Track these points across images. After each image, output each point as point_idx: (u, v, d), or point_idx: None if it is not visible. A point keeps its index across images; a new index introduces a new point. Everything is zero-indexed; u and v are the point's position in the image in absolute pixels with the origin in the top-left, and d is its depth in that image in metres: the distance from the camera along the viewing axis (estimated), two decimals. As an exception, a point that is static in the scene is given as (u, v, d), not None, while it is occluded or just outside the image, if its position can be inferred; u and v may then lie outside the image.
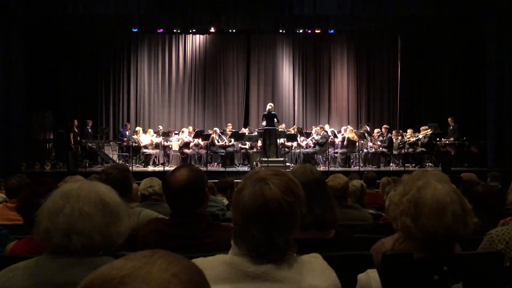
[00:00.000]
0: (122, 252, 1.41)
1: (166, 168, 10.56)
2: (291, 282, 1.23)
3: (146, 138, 12.10)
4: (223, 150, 11.97)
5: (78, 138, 11.99)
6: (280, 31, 13.97)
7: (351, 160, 12.05)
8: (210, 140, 11.77)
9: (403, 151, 11.84)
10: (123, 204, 1.40)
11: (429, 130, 11.68)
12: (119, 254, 1.36)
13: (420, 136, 11.73)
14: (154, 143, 12.13)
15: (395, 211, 1.35)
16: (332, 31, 13.92)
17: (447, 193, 1.29)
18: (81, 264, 1.28)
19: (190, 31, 14.03)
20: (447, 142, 12.00)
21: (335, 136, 12.40)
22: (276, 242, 1.22)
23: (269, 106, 11.48)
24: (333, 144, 12.17)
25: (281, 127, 12.13)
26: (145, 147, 11.94)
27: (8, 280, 1.28)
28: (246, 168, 11.54)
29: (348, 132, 11.95)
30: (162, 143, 12.13)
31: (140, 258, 0.66)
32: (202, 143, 11.98)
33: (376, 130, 12.57)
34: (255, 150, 12.16)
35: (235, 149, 12.22)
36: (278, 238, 1.22)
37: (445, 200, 1.28)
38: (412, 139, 11.83)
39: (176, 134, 12.54)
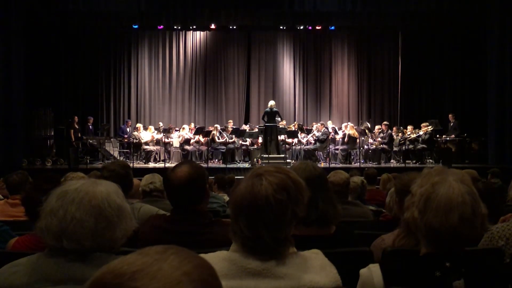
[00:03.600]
0: (123, 249, 1.41)
1: (167, 165, 10.57)
2: (291, 279, 1.23)
3: (146, 134, 12.10)
4: (223, 147, 11.98)
5: (79, 135, 11.98)
6: (281, 27, 13.96)
7: (352, 157, 12.05)
8: (210, 137, 11.77)
9: (403, 147, 11.83)
10: (123, 207, 1.35)
11: (429, 127, 11.68)
12: (120, 251, 1.36)
13: (421, 133, 11.73)
14: (154, 139, 12.14)
15: (409, 201, 1.36)
16: (332, 27, 13.91)
17: (460, 193, 1.28)
18: (81, 261, 1.29)
19: (191, 27, 14.01)
20: (447, 138, 11.99)
21: (336, 132, 12.39)
22: (262, 238, 1.23)
23: (271, 103, 11.46)
24: (333, 140, 12.16)
25: (282, 124, 12.12)
26: (146, 143, 11.95)
27: (10, 275, 1.29)
28: (246, 165, 11.55)
29: (349, 128, 11.94)
30: (163, 139, 12.14)
31: (152, 254, 0.65)
32: (202, 139, 11.99)
33: (376, 127, 12.56)
34: (255, 146, 12.17)
35: (235, 145, 12.22)
36: (264, 234, 1.23)
37: (456, 200, 1.27)
38: (413, 136, 11.83)
39: (176, 130, 12.54)
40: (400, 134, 12.27)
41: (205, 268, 0.67)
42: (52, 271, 1.27)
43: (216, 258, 1.26)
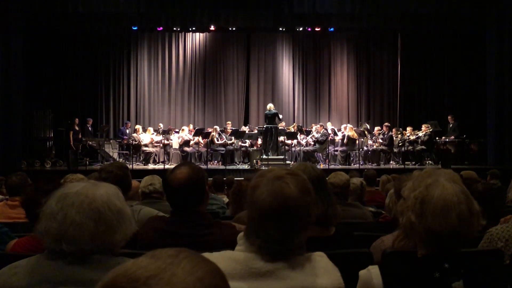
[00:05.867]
0: (122, 251, 1.41)
1: (167, 166, 10.57)
2: (296, 280, 1.23)
3: (146, 136, 12.10)
4: (223, 148, 11.97)
5: (79, 136, 11.98)
6: (280, 29, 13.96)
7: (351, 158, 12.06)
8: (210, 138, 11.77)
9: (403, 149, 11.84)
10: (123, 211, 1.35)
11: (429, 128, 11.68)
12: (120, 253, 1.36)
13: (420, 134, 11.74)
14: (154, 141, 12.13)
15: (402, 205, 1.35)
16: (332, 29, 13.91)
17: (455, 193, 1.28)
18: (80, 263, 1.29)
19: (190, 29, 14.02)
20: (447, 140, 12.00)
21: (335, 134, 12.40)
22: (291, 241, 1.23)
23: (270, 105, 11.54)
24: (333, 142, 12.17)
25: (281, 125, 12.14)
26: (145, 145, 11.94)
27: (10, 277, 1.29)
28: (246, 166, 11.55)
29: (348, 130, 11.95)
30: (162, 141, 12.13)
31: (165, 258, 0.65)
32: (202, 141, 11.99)
33: (376, 128, 12.57)
34: (255, 148, 12.17)
35: (235, 147, 12.22)
36: (294, 236, 1.23)
37: (452, 200, 1.27)
38: (412, 137, 11.84)
39: (176, 132, 12.54)
40: (399, 135, 12.28)
41: (217, 274, 0.68)
42: (52, 273, 1.27)
43: (221, 257, 1.26)
